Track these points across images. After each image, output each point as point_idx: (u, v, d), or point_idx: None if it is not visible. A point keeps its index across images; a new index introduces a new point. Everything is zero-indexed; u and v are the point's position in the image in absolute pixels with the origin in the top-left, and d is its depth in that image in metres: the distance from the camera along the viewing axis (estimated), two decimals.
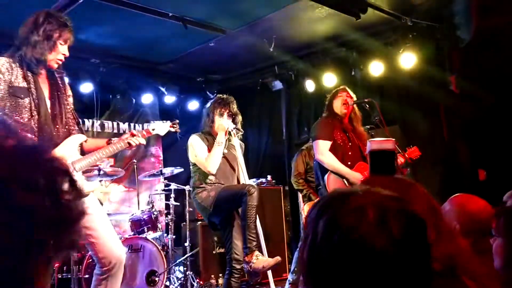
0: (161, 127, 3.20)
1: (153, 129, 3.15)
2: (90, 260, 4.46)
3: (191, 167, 3.82)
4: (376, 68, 5.86)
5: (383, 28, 5.61)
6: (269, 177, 6.42)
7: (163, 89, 6.94)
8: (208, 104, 3.90)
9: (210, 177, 3.65)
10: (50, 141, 2.49)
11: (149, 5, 4.69)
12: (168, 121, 3.28)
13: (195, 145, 3.70)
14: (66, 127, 2.64)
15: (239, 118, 3.86)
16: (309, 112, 6.82)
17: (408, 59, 5.49)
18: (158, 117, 7.46)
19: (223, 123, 3.69)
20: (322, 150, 3.92)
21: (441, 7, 4.87)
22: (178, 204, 5.58)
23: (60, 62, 2.62)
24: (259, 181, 6.27)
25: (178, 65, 6.66)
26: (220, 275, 5.41)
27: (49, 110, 2.55)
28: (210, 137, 3.75)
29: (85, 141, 2.78)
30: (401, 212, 0.81)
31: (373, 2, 4.84)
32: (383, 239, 0.78)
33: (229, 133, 3.74)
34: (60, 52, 2.58)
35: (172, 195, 5.50)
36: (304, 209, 4.96)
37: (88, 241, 2.63)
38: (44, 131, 2.48)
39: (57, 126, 2.58)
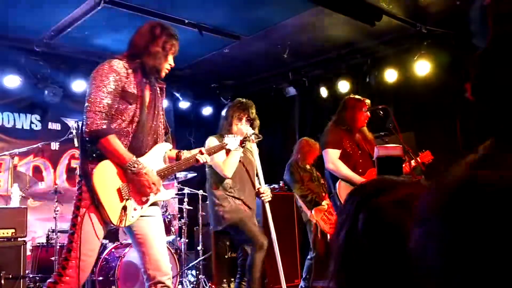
0: (233, 142, 3.22)
1: (226, 144, 3.18)
2: (104, 262, 4.52)
3: (206, 169, 3.81)
4: (390, 75, 5.86)
5: (398, 35, 5.61)
6: (281, 183, 6.43)
7: (178, 95, 7.02)
8: (227, 107, 3.89)
9: (227, 181, 3.66)
10: (140, 149, 2.57)
11: (165, 12, 4.77)
12: (239, 136, 3.32)
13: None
14: (155, 136, 2.70)
15: (257, 122, 3.84)
16: (323, 119, 6.80)
17: (423, 67, 5.49)
18: (172, 122, 7.54)
19: (242, 128, 3.68)
20: (333, 159, 3.95)
21: (455, 14, 4.86)
22: (191, 208, 5.62)
23: (167, 71, 2.74)
24: (271, 187, 6.28)
25: (193, 71, 6.73)
26: (232, 279, 5.42)
27: (146, 118, 2.62)
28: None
29: (170, 150, 2.86)
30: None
31: (388, 10, 4.86)
32: None
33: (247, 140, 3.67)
34: (169, 62, 2.71)
35: (186, 199, 5.55)
36: (314, 215, 4.91)
37: (140, 249, 2.62)
38: (137, 139, 2.56)
39: (149, 134, 2.65)
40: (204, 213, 5.48)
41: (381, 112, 4.22)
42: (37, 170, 6.22)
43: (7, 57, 5.47)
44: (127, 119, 2.53)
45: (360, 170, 3.95)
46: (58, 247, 4.65)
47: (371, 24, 4.88)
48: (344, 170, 3.90)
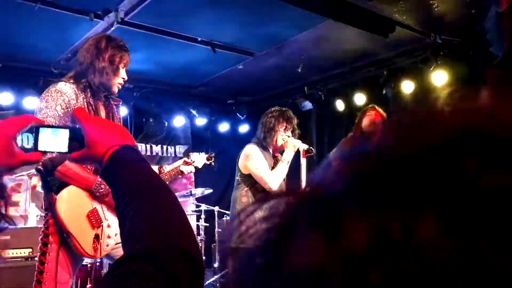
0: (199, 159, 3.14)
1: (193, 161, 3.08)
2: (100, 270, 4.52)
3: (238, 177, 3.58)
4: (407, 87, 5.78)
5: (414, 46, 5.54)
6: None
7: (194, 112, 7.07)
8: (268, 116, 3.67)
9: (260, 194, 3.45)
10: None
11: (179, 31, 4.82)
12: (203, 153, 3.25)
13: (256, 157, 3.47)
14: None
15: (298, 132, 3.72)
16: (340, 132, 6.75)
17: (440, 77, 5.39)
18: (189, 139, 7.59)
19: (293, 141, 3.53)
20: None
21: (471, 23, 4.77)
22: (208, 225, 5.60)
23: (120, 86, 2.57)
24: None
25: (208, 88, 6.78)
26: None
27: None
28: (265, 152, 3.56)
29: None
30: None
31: (401, 21, 4.80)
32: None
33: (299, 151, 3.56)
34: (120, 76, 2.53)
35: (203, 216, 5.53)
36: None
37: None
38: None
39: None
40: (220, 230, 5.45)
41: None
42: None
43: (26, 79, 5.60)
44: None
45: None
46: None
47: (385, 36, 4.83)
48: None
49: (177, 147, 7.43)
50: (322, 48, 5.47)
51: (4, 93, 5.49)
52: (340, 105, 6.47)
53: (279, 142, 3.58)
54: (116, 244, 2.46)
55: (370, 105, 4.26)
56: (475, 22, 4.66)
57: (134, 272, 0.63)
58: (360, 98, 6.19)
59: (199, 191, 5.60)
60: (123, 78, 2.54)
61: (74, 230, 2.24)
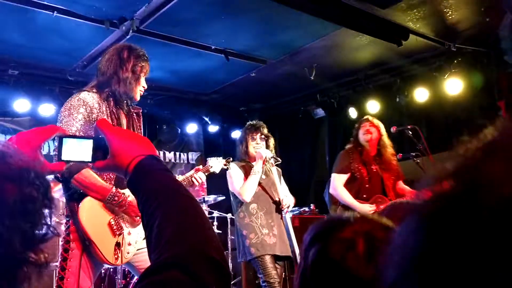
0: (216, 164, 3.16)
1: (211, 167, 3.11)
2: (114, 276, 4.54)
3: (231, 196, 3.86)
4: (421, 95, 5.75)
5: (427, 54, 5.52)
6: (312, 206, 6.33)
7: (207, 119, 7.11)
8: (240, 133, 3.99)
9: (252, 205, 3.66)
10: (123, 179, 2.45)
11: (193, 39, 4.86)
12: (221, 158, 3.27)
13: (232, 174, 3.73)
14: None
15: (272, 141, 3.88)
16: None
17: (454, 85, 5.36)
18: (202, 146, 7.63)
19: (261, 151, 3.68)
20: (336, 185, 4.00)
21: (485, 31, 4.75)
22: (221, 232, 5.61)
23: (141, 94, 2.62)
24: (302, 209, 6.20)
25: (221, 95, 6.81)
26: None
27: None
28: (246, 164, 3.79)
29: None
30: (387, 242, 0.79)
31: (415, 29, 4.79)
32: (372, 270, 0.77)
33: (267, 162, 3.73)
34: (141, 85, 2.58)
35: (215, 223, 5.54)
36: None
37: None
38: None
39: None
40: (233, 237, 5.45)
41: (410, 133, 4.13)
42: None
43: (42, 86, 5.69)
44: None
45: (365, 196, 3.93)
46: None
47: (398, 44, 4.82)
48: (344, 196, 3.92)
49: (190, 153, 7.47)
50: (335, 56, 5.47)
51: (20, 100, 5.58)
52: (353, 112, 6.45)
53: (253, 152, 3.75)
54: (138, 250, 2.48)
55: (364, 117, 4.30)
56: (489, 30, 4.63)
57: (167, 282, 0.64)
58: (373, 106, 6.17)
59: (211, 198, 5.61)
60: (144, 87, 2.61)
61: (95, 238, 2.26)
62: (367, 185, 3.95)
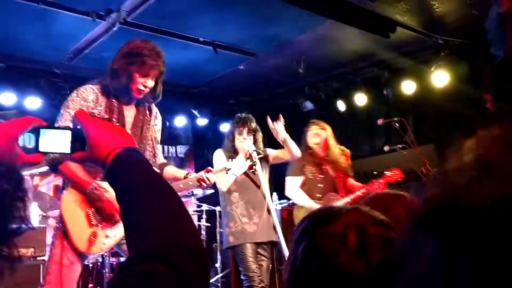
0: (238, 167, 3.18)
1: (229, 169, 3.09)
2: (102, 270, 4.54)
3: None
4: (408, 87, 5.79)
5: (415, 46, 5.56)
6: None
7: (195, 112, 7.08)
8: (229, 125, 4.00)
9: (234, 194, 3.69)
10: None
11: (181, 32, 4.83)
12: (249, 161, 3.31)
13: (215, 161, 3.78)
14: None
15: (260, 134, 3.89)
16: (341, 133, 6.75)
17: (441, 78, 5.41)
18: (191, 139, 7.60)
19: (244, 145, 3.67)
20: (289, 187, 4.18)
21: (472, 24, 4.78)
22: (210, 225, 5.61)
23: (140, 92, 2.55)
24: (290, 202, 6.22)
25: (209, 88, 6.78)
26: None
27: None
28: (234, 154, 3.77)
29: (178, 171, 2.76)
30: (379, 237, 0.79)
31: (402, 21, 4.81)
32: (363, 265, 0.76)
33: (250, 155, 3.64)
34: (139, 82, 2.52)
35: (204, 216, 5.54)
36: None
37: None
38: None
39: None
40: (221, 230, 5.46)
41: (397, 125, 4.17)
42: (58, 190, 6.31)
43: (28, 79, 5.61)
44: None
45: (319, 195, 4.10)
46: None
47: (386, 36, 4.84)
48: (297, 197, 4.09)
49: (178, 147, 7.45)
50: (323, 48, 5.48)
51: (6, 93, 5.50)
52: (341, 105, 6.48)
53: (238, 146, 3.76)
54: (122, 240, 2.52)
55: (311, 121, 4.46)
56: (476, 22, 4.67)
57: (147, 272, 0.64)
58: (361, 99, 6.20)
59: (200, 191, 5.60)
60: (144, 84, 2.53)
61: (70, 225, 2.37)
62: (320, 185, 4.15)
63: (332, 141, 4.33)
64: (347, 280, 0.76)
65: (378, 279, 0.75)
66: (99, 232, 2.43)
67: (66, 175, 2.39)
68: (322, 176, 4.14)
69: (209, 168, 2.83)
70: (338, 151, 4.33)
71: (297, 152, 3.80)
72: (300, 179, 4.15)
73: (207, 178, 2.70)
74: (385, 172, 4.18)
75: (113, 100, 2.54)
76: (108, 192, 2.39)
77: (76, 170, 2.36)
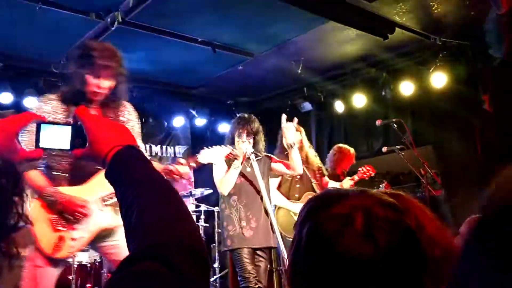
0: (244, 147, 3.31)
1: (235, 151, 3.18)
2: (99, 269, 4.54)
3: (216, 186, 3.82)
4: (406, 88, 5.79)
5: (413, 47, 5.57)
6: None
7: (194, 112, 7.08)
8: (231, 124, 3.93)
9: (233, 197, 3.64)
10: (82, 177, 2.47)
11: (179, 32, 4.83)
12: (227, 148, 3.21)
13: (215, 164, 3.70)
14: None
15: (261, 136, 3.77)
16: (340, 133, 6.77)
17: (439, 79, 5.41)
18: (189, 139, 7.59)
19: (242, 147, 3.59)
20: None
21: (471, 25, 4.79)
22: (208, 225, 5.61)
23: (97, 94, 2.50)
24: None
25: (208, 89, 6.78)
26: None
27: None
28: (232, 157, 3.68)
29: None
30: (387, 220, 0.76)
31: (401, 22, 4.82)
32: (370, 249, 0.73)
33: (248, 158, 3.60)
34: (93, 85, 2.47)
35: (202, 216, 5.54)
36: None
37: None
38: (74, 168, 2.45)
39: None
40: (220, 230, 5.45)
41: (396, 126, 4.17)
42: None
43: (27, 79, 5.60)
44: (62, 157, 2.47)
45: (296, 195, 4.19)
46: (75, 265, 4.66)
47: (384, 37, 4.84)
48: (276, 199, 4.09)
49: (177, 147, 7.43)
50: (322, 49, 5.49)
51: (4, 93, 5.48)
52: (339, 106, 6.48)
53: (238, 148, 3.67)
54: (112, 244, 2.56)
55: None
56: (474, 24, 4.68)
57: (145, 272, 0.63)
58: (359, 100, 6.20)
59: (198, 192, 5.60)
60: (98, 86, 2.48)
61: (37, 232, 2.41)
62: (297, 185, 4.22)
63: (307, 142, 4.41)
64: (354, 263, 0.73)
65: (386, 263, 0.73)
66: (65, 235, 2.44)
67: (27, 182, 2.40)
68: (299, 176, 4.13)
69: (180, 160, 2.75)
70: (313, 152, 4.44)
71: (298, 167, 3.72)
72: (277, 180, 4.17)
73: (172, 170, 2.60)
74: (359, 169, 4.26)
75: (73, 105, 2.49)
76: (65, 195, 2.42)
77: (35, 177, 2.42)
